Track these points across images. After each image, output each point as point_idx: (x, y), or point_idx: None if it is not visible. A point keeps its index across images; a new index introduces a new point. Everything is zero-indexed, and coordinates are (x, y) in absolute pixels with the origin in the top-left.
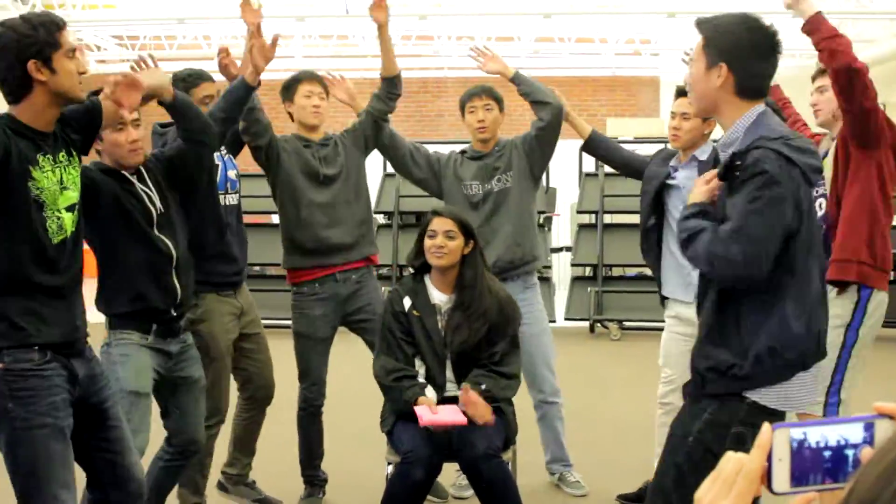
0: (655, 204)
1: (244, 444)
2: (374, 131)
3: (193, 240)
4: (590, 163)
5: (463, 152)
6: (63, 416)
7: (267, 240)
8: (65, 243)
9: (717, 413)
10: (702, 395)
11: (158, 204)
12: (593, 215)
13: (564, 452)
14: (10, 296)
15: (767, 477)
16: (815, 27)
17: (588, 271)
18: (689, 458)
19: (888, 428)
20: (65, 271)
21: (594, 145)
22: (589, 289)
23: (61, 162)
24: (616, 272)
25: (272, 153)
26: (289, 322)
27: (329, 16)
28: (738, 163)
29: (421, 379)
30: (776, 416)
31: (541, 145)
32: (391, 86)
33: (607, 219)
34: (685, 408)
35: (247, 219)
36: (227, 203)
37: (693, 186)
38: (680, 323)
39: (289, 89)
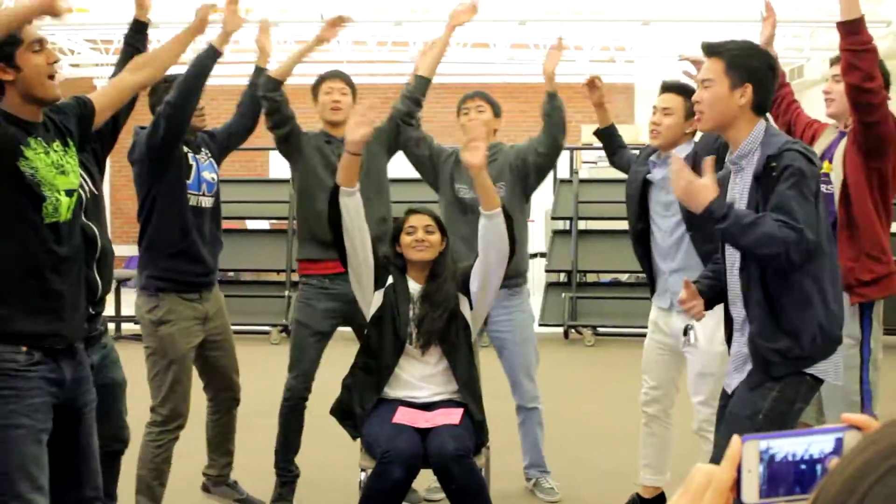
0: (641, 206)
1: (218, 446)
2: (395, 133)
3: (156, 236)
4: (564, 169)
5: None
6: (42, 419)
7: (241, 245)
8: (59, 227)
9: (784, 390)
10: (768, 378)
11: (89, 187)
12: (567, 221)
13: (542, 458)
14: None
15: (737, 488)
16: (848, 30)
17: (562, 277)
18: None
19: (856, 438)
20: (58, 258)
21: (607, 136)
22: (563, 295)
23: (56, 150)
24: (590, 278)
25: (294, 143)
26: (263, 328)
27: (303, 21)
28: (774, 164)
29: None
30: (817, 387)
31: (536, 171)
32: (416, 82)
33: (581, 225)
34: (740, 395)
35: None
36: (201, 205)
37: (680, 185)
38: (657, 330)
39: (314, 89)
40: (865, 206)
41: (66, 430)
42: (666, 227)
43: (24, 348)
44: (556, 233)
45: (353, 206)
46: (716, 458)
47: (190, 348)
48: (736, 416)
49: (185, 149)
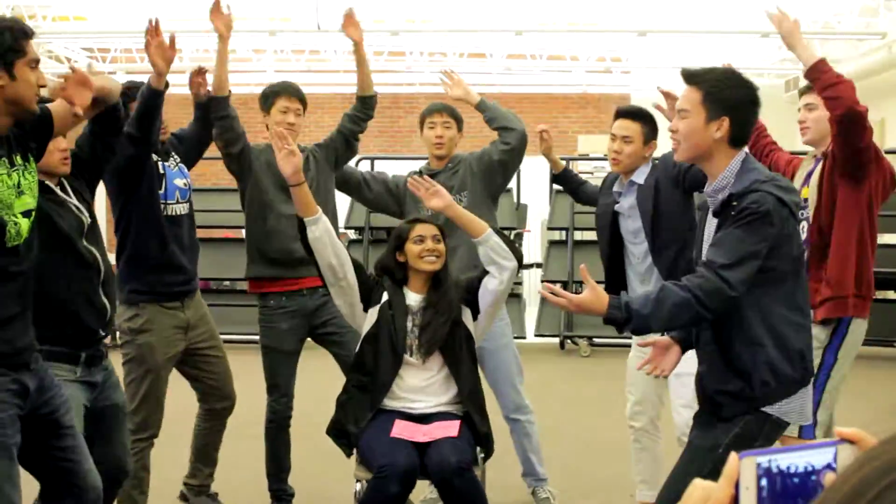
0: (613, 235)
1: (204, 455)
2: (344, 150)
3: (134, 250)
4: None
5: (419, 172)
6: (11, 433)
7: (235, 254)
8: (18, 249)
9: (747, 426)
10: (718, 420)
11: (87, 213)
12: (564, 231)
13: (534, 468)
14: None
15: None
16: (816, 76)
17: (558, 287)
18: (716, 469)
19: (850, 453)
20: (16, 277)
21: (564, 179)
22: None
23: (18, 165)
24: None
25: (244, 162)
26: (254, 337)
27: (301, 31)
28: (735, 203)
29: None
30: (782, 429)
31: (503, 168)
32: (365, 105)
33: (577, 235)
34: (701, 428)
35: (214, 233)
36: (175, 213)
37: (570, 308)
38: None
39: (267, 100)
40: (840, 230)
41: (46, 438)
42: (638, 253)
43: None
44: (552, 243)
45: (322, 231)
46: (673, 484)
47: (168, 358)
48: (697, 447)
49: (155, 157)
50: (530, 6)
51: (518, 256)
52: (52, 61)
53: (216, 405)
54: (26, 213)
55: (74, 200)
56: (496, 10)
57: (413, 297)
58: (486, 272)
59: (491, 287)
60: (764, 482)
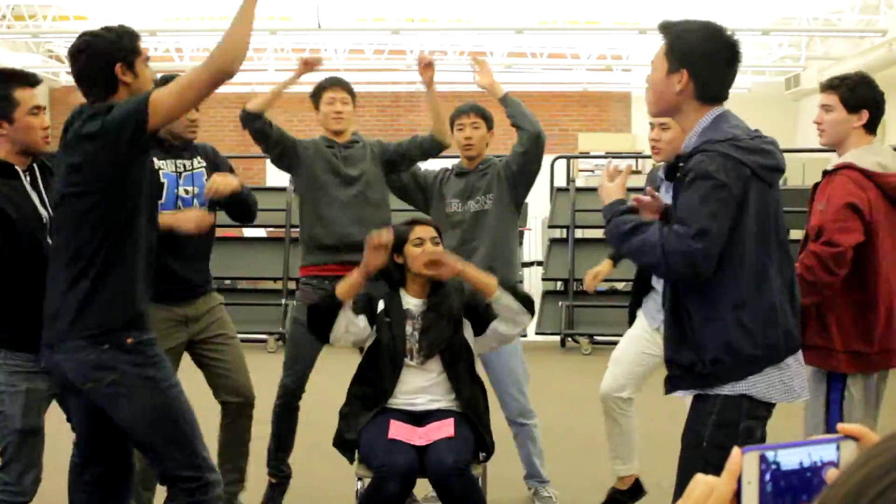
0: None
1: (228, 457)
2: (391, 164)
3: None
4: (561, 177)
5: (451, 168)
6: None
7: (237, 253)
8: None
9: (721, 413)
10: (677, 389)
11: (49, 209)
12: (564, 230)
13: (537, 470)
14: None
15: (737, 500)
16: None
17: (559, 286)
18: (707, 464)
19: (853, 449)
20: None
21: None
22: (560, 303)
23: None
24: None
25: (291, 158)
26: (260, 336)
27: (301, 29)
28: (682, 164)
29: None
30: (772, 407)
31: (521, 172)
32: (435, 149)
33: (578, 234)
34: (690, 413)
35: (217, 232)
36: None
37: (603, 186)
38: (641, 336)
39: (315, 96)
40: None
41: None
42: None
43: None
44: (553, 241)
45: (345, 320)
46: (678, 486)
47: (165, 351)
48: (686, 445)
49: (160, 161)
50: (531, 4)
51: (531, 309)
52: (52, 61)
53: (228, 399)
54: None
55: (34, 196)
56: (497, 8)
57: (412, 301)
58: (489, 306)
59: (501, 330)
60: (767, 477)
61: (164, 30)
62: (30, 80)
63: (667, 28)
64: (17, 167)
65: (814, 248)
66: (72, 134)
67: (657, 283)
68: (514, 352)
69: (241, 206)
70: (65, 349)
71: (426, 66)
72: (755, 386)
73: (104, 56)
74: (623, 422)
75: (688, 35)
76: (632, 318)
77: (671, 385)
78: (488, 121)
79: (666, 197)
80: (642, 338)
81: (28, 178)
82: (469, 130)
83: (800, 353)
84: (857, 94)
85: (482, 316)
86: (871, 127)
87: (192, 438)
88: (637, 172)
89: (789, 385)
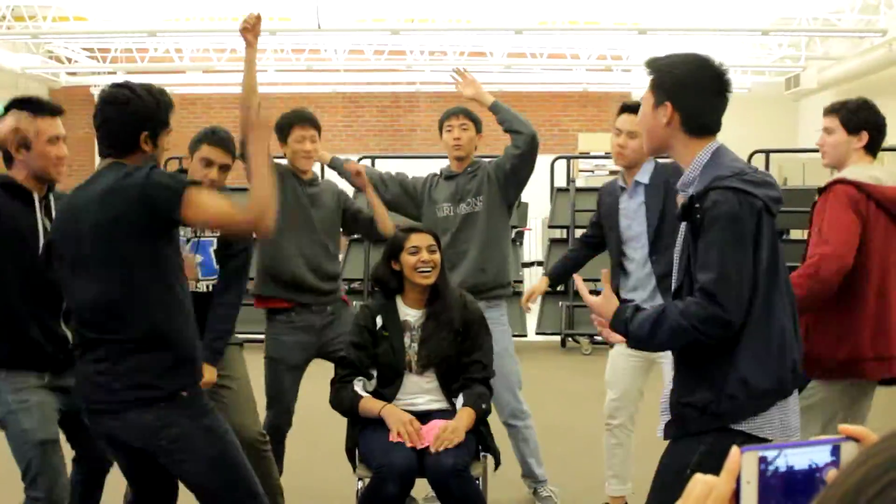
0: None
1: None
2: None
3: None
4: (561, 177)
5: (439, 173)
6: None
7: None
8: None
9: (714, 444)
10: (685, 434)
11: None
12: (564, 230)
13: (532, 470)
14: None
15: (736, 500)
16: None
17: (559, 286)
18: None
19: (853, 450)
20: None
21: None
22: (560, 303)
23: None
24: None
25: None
26: (260, 336)
27: (301, 30)
28: (698, 205)
29: (361, 392)
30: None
31: (515, 173)
32: (375, 235)
33: (578, 233)
34: (672, 444)
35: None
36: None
37: (593, 305)
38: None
39: (283, 131)
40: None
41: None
42: (639, 259)
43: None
44: (553, 241)
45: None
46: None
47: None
48: (666, 466)
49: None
50: (531, 4)
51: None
52: (51, 62)
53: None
54: None
55: (42, 223)
56: (496, 8)
57: (410, 312)
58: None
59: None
60: (766, 477)
61: (164, 30)
62: (51, 110)
63: (652, 63)
64: (33, 193)
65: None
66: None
67: (627, 294)
68: (506, 350)
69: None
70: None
71: (356, 174)
72: (754, 421)
73: (137, 120)
74: (625, 441)
75: (672, 68)
76: None
77: (678, 430)
78: (477, 123)
79: (631, 203)
80: (625, 353)
81: (42, 206)
82: (457, 131)
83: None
84: (857, 116)
85: (472, 339)
86: (871, 148)
87: (249, 481)
88: None
89: (786, 423)
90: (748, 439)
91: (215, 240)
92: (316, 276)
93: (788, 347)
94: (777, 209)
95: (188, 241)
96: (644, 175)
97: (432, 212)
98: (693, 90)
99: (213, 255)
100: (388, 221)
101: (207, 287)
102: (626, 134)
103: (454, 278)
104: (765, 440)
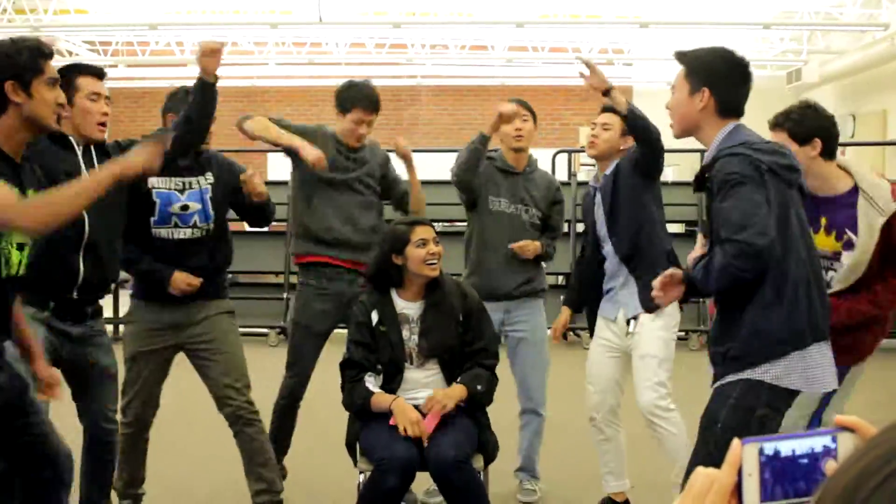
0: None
1: (246, 465)
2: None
3: (126, 261)
4: (562, 171)
5: (492, 160)
6: None
7: (238, 247)
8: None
9: (741, 397)
10: (719, 379)
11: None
12: (566, 224)
13: (533, 464)
14: None
15: (738, 492)
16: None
17: (561, 280)
18: (718, 446)
19: (849, 441)
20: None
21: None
22: (562, 297)
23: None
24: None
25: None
26: (261, 330)
27: (302, 23)
28: (707, 175)
29: (373, 388)
30: (793, 398)
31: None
32: (404, 209)
33: (580, 227)
34: (710, 400)
35: None
36: (172, 237)
37: (658, 286)
38: (602, 335)
39: (344, 104)
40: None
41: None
42: (610, 249)
43: None
44: None
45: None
46: (692, 464)
47: (148, 351)
48: (708, 410)
49: (152, 181)
50: None
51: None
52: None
53: (221, 409)
54: (20, 246)
55: (87, 168)
56: (498, 2)
57: (407, 305)
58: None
59: None
60: (767, 469)
61: (165, 23)
62: (93, 71)
63: (682, 55)
64: (74, 141)
65: None
66: None
67: (607, 285)
68: (543, 341)
69: (260, 212)
70: None
71: (404, 155)
72: (775, 367)
73: None
74: (613, 436)
75: (704, 57)
76: (592, 331)
77: (714, 377)
78: (534, 115)
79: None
80: (605, 345)
81: (83, 156)
82: (519, 122)
83: (825, 345)
84: (804, 126)
85: (473, 329)
86: (828, 153)
87: None
88: None
89: (810, 375)
90: (772, 391)
91: (210, 186)
92: (353, 228)
93: (802, 302)
94: (789, 176)
95: (182, 191)
96: (611, 164)
97: (483, 196)
98: (726, 78)
99: (209, 202)
100: (421, 203)
101: (204, 232)
102: (601, 126)
103: (493, 276)
104: (789, 392)
